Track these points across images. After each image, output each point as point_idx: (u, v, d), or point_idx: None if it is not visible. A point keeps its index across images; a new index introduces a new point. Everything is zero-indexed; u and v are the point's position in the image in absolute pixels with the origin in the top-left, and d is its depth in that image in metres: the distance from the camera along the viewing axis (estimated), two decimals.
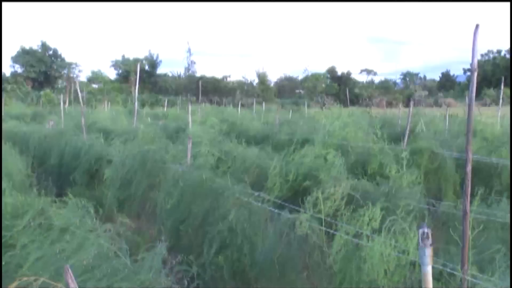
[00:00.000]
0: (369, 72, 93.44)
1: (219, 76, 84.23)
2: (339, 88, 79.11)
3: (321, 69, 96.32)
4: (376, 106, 66.06)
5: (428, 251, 3.71)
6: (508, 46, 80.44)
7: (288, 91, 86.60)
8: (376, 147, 9.79)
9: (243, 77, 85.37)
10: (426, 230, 3.70)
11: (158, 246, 4.14)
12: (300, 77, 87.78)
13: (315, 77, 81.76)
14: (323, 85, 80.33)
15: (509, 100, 46.24)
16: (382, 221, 5.01)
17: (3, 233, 5.11)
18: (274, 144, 13.70)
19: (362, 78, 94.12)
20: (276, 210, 6.31)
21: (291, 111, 34.42)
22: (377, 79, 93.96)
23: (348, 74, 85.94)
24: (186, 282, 4.07)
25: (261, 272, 5.86)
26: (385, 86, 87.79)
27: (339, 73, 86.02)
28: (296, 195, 7.76)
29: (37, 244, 4.65)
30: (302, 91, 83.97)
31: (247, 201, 6.38)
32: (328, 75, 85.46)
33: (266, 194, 6.80)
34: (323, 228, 5.71)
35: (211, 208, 6.63)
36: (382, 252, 4.62)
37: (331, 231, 5.48)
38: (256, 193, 6.61)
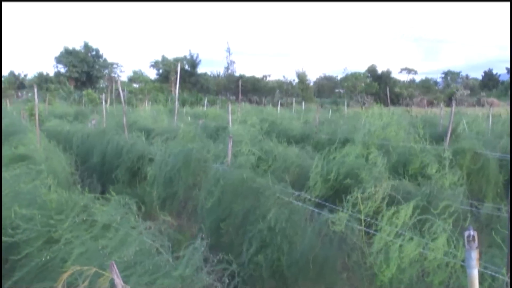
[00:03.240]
0: (409, 71, 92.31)
1: (258, 75, 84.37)
2: (379, 87, 78.30)
3: (361, 68, 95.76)
4: (416, 105, 65.26)
5: (474, 254, 3.65)
6: None
7: (327, 90, 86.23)
8: (418, 147, 9.66)
9: (283, 77, 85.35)
10: (472, 233, 3.64)
11: (199, 244, 4.17)
12: (340, 76, 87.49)
13: (354, 76, 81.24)
14: (363, 84, 79.72)
15: None
16: (423, 222, 4.97)
17: (48, 228, 5.23)
18: (314, 144, 13.67)
19: (403, 77, 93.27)
20: (316, 210, 6.30)
21: (330, 111, 34.29)
22: (417, 78, 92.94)
23: (388, 73, 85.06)
24: (226, 280, 4.09)
25: (300, 271, 5.85)
26: (426, 85, 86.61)
27: (379, 72, 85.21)
28: (336, 194, 7.73)
29: (80, 239, 4.75)
30: (341, 91, 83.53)
31: (287, 201, 6.37)
32: (368, 74, 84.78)
33: (307, 194, 6.79)
34: (363, 228, 5.67)
35: (252, 207, 6.64)
36: (421, 253, 4.58)
37: (371, 232, 5.44)
38: (297, 193, 6.60)
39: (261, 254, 6.02)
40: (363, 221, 5.72)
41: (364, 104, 60.15)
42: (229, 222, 6.88)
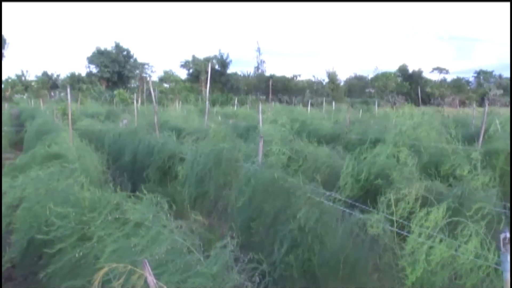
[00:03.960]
0: (441, 70, 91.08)
1: (288, 75, 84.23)
2: (410, 87, 77.54)
3: (392, 67, 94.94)
4: (448, 105, 64.45)
5: (510, 257, 3.58)
6: None
7: (358, 90, 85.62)
8: (450, 148, 9.54)
9: (313, 76, 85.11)
10: (508, 235, 3.57)
11: (230, 243, 4.18)
12: (370, 76, 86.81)
13: (385, 76, 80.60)
14: (394, 84, 79.01)
15: None
16: (454, 224, 4.91)
17: (82, 225, 5.30)
18: (344, 144, 13.61)
19: (434, 76, 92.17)
20: (347, 210, 6.27)
21: (361, 111, 34.10)
22: (449, 78, 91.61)
23: (420, 72, 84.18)
24: (257, 280, 4.09)
25: (331, 272, 5.83)
26: (458, 85, 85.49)
27: (410, 71, 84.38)
28: (367, 194, 7.70)
29: (113, 237, 4.80)
30: (372, 90, 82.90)
31: (318, 201, 6.36)
32: (399, 74, 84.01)
33: (337, 194, 6.76)
34: (395, 230, 5.63)
35: (282, 207, 6.64)
36: (453, 256, 4.53)
37: (404, 233, 5.40)
38: (328, 193, 6.58)
39: (292, 254, 6.01)
40: (395, 222, 5.68)
41: (394, 104, 59.65)
42: (259, 221, 6.89)
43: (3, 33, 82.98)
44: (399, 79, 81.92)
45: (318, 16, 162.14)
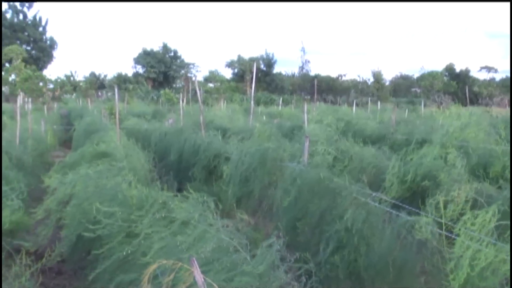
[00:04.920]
0: (489, 69, 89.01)
1: (333, 75, 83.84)
2: (457, 86, 76.13)
3: (439, 66, 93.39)
4: (496, 105, 63.06)
5: None
6: None
7: (403, 89, 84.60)
8: (499, 149, 9.34)
9: (358, 76, 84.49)
10: None
11: (276, 243, 4.18)
12: (416, 75, 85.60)
13: (432, 75, 79.28)
14: (440, 83, 77.68)
15: None
16: (503, 228, 4.82)
17: (129, 223, 5.40)
18: (390, 144, 13.47)
19: (482, 75, 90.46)
20: (394, 211, 6.21)
21: (407, 110, 33.70)
22: (498, 77, 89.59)
23: (467, 71, 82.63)
24: (304, 279, 4.09)
25: (377, 274, 5.78)
26: (507, 84, 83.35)
27: (458, 70, 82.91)
28: (414, 196, 7.61)
29: (160, 235, 4.87)
30: (418, 90, 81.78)
31: (364, 201, 6.31)
32: (446, 73, 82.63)
33: (383, 194, 6.71)
34: (444, 233, 5.55)
35: (328, 207, 6.62)
36: (504, 260, 4.44)
37: (453, 236, 5.32)
38: (374, 193, 6.53)
39: (338, 254, 5.98)
40: (443, 224, 5.59)
41: (441, 103, 58.66)
42: (305, 221, 6.88)
43: (53, 35, 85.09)
44: (445, 79, 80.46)
45: (363, 15, 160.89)
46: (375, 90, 75.43)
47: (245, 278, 3.83)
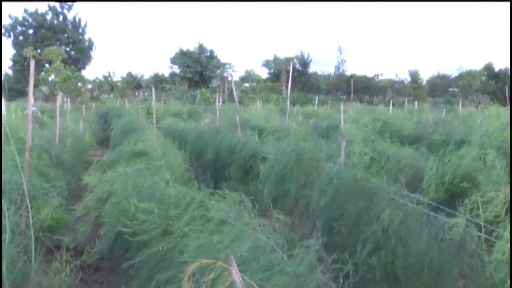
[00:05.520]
0: None
1: (369, 74, 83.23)
2: (496, 86, 74.71)
3: (477, 66, 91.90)
4: None
5: None
6: None
7: (441, 89, 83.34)
8: None
9: (395, 75, 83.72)
10: None
11: (313, 243, 4.18)
12: (454, 74, 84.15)
13: (470, 75, 77.85)
14: (479, 83, 76.29)
15: None
16: None
17: (167, 220, 5.46)
18: (428, 145, 13.32)
19: None
20: (432, 213, 6.15)
21: (444, 110, 33.29)
22: None
23: (507, 70, 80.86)
24: (341, 280, 4.08)
25: (415, 276, 5.73)
26: None
27: (496, 70, 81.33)
28: (452, 197, 7.50)
29: (197, 233, 4.90)
30: (456, 90, 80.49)
31: (402, 202, 6.26)
32: (485, 72, 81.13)
33: (421, 196, 6.65)
34: (483, 235, 5.48)
35: (365, 208, 6.57)
36: None
37: (492, 239, 5.24)
38: (411, 195, 6.47)
39: (375, 256, 5.94)
40: (483, 227, 5.52)
41: (479, 103, 57.70)
42: (342, 222, 6.85)
43: (91, 36, 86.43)
44: (484, 78, 78.95)
45: (400, 14, 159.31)
46: (412, 89, 74.53)
47: (282, 277, 3.84)
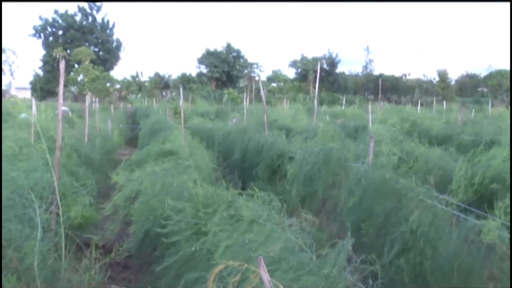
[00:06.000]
0: None
1: (397, 74, 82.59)
2: None
3: (507, 65, 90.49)
4: None
5: None
6: None
7: (469, 89, 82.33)
8: None
9: (423, 75, 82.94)
10: None
11: (342, 243, 4.16)
12: (483, 74, 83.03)
13: (500, 74, 76.73)
14: (509, 83, 75.14)
15: None
16: None
17: (196, 220, 5.48)
18: (457, 145, 13.18)
19: None
20: (461, 215, 6.08)
21: (473, 110, 32.89)
22: None
23: None
24: (370, 282, 4.06)
25: (444, 278, 5.67)
26: None
27: None
28: (481, 199, 7.41)
29: (227, 233, 4.91)
30: (485, 89, 79.46)
31: (430, 204, 6.20)
32: None
33: (450, 197, 6.57)
34: None
35: (393, 209, 6.52)
36: None
37: None
38: (440, 196, 6.40)
39: (403, 257, 5.89)
40: None
41: (510, 103, 56.87)
42: (370, 222, 6.81)
43: (119, 37, 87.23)
44: None
45: (428, 13, 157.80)
46: (440, 89, 73.81)
47: (311, 278, 3.84)
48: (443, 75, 76.23)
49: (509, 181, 7.18)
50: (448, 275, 5.57)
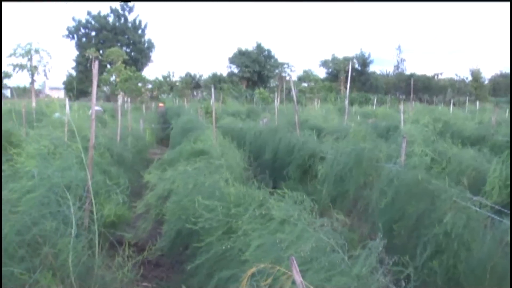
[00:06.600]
0: None
1: (429, 73, 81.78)
2: None
3: None
4: None
5: None
6: None
7: (503, 88, 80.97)
8: None
9: (455, 75, 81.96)
10: None
11: (374, 244, 4.13)
12: None
13: None
14: None
15: None
16: None
17: (228, 219, 5.50)
18: (490, 146, 12.99)
19: None
20: (496, 217, 5.99)
21: (507, 111, 32.35)
22: None
23: None
24: (403, 284, 4.02)
25: (477, 281, 5.58)
26: None
27: None
28: None
29: (258, 232, 4.92)
30: None
31: (464, 205, 6.12)
32: None
33: (484, 199, 6.48)
34: None
35: (426, 210, 6.45)
36: None
37: None
38: (474, 197, 6.31)
39: (436, 259, 5.83)
40: None
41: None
42: (402, 223, 6.75)
43: (151, 37, 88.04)
44: None
45: (461, 12, 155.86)
46: (473, 89, 72.84)
47: (343, 278, 3.82)
48: (476, 75, 75.20)
49: None
50: (481, 278, 5.48)
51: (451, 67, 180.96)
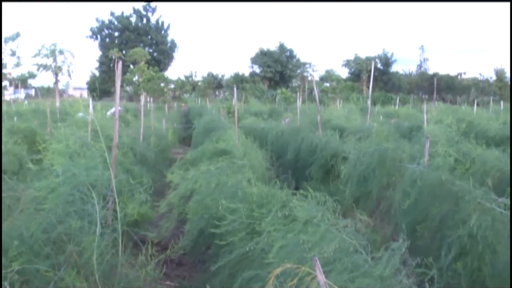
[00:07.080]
0: None
1: (452, 73, 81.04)
2: None
3: None
4: None
5: None
6: None
7: None
8: None
9: (479, 74, 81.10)
10: None
11: (397, 245, 4.11)
12: None
13: None
14: None
15: None
16: None
17: (250, 219, 5.51)
18: None
19: None
20: None
21: None
22: None
23: None
24: (427, 286, 4.00)
25: (503, 283, 5.52)
26: None
27: None
28: None
29: (281, 233, 4.91)
30: None
31: (489, 207, 6.05)
32: None
33: (509, 200, 6.41)
34: None
35: (450, 211, 6.39)
36: None
37: None
38: (499, 199, 6.24)
39: (460, 261, 5.77)
40: None
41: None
42: (425, 225, 6.70)
43: (173, 38, 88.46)
44: None
45: (486, 11, 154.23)
46: (498, 89, 72.00)
47: (366, 279, 3.81)
48: (500, 74, 74.34)
49: None
50: (507, 281, 5.42)
51: (474, 66, 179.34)
